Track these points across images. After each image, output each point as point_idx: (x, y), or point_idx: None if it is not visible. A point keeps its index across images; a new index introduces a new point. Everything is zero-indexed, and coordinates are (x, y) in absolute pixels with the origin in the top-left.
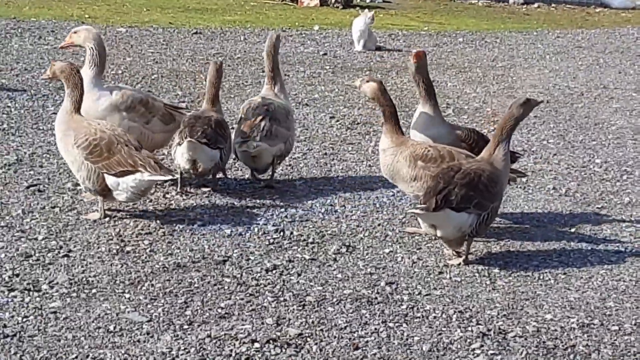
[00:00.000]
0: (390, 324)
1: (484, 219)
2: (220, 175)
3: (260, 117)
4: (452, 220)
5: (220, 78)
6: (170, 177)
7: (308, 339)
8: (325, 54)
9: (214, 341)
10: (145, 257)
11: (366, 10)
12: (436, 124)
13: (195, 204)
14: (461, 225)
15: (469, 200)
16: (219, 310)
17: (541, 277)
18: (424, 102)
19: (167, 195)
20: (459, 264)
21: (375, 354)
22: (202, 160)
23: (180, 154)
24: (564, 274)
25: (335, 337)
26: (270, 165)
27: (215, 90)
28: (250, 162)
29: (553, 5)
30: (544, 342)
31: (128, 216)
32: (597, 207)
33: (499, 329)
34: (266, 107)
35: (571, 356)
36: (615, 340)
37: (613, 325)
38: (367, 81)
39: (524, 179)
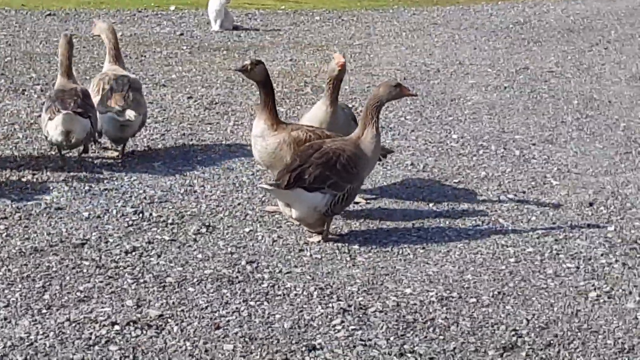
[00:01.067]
0: (252, 303)
1: (340, 199)
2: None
3: (127, 88)
4: (304, 200)
5: (71, 50)
6: None
7: (169, 320)
8: (182, 34)
9: (73, 325)
10: (1, 242)
11: None
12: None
13: (51, 187)
14: (315, 205)
15: (324, 180)
16: (78, 294)
17: (400, 252)
18: (326, 102)
19: (23, 179)
20: (319, 241)
21: (236, 333)
22: (77, 131)
23: (54, 127)
24: (423, 248)
25: (196, 317)
26: (122, 139)
27: (69, 63)
28: (119, 133)
29: None
30: (403, 316)
31: None
32: (455, 182)
33: (360, 304)
34: (127, 78)
35: (430, 329)
36: (474, 312)
37: (471, 297)
38: (255, 64)
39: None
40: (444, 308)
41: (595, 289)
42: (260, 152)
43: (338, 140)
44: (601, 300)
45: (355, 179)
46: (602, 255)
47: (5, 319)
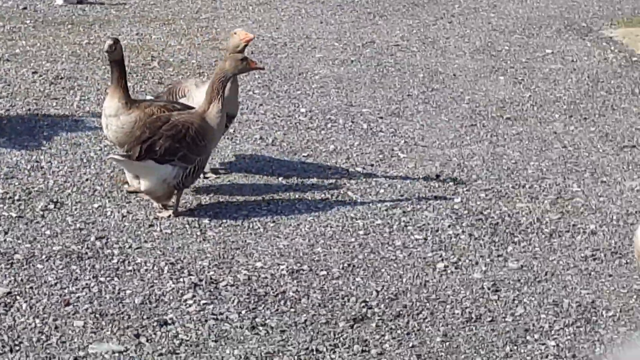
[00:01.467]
0: (102, 279)
1: (190, 172)
2: None
3: None
4: (155, 172)
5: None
6: None
7: (17, 297)
8: (25, 8)
9: None
10: None
11: None
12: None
13: None
14: (165, 177)
15: (174, 153)
16: None
17: (251, 226)
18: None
19: None
20: (169, 216)
21: (87, 309)
22: None
23: None
24: (273, 222)
25: (45, 294)
26: None
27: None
28: None
29: None
30: (255, 289)
31: None
32: (304, 156)
33: (211, 278)
34: None
35: (281, 302)
36: (324, 284)
37: (321, 270)
38: (117, 42)
39: (230, 130)
40: (295, 281)
41: (442, 260)
42: (115, 132)
43: (184, 113)
44: (449, 271)
45: (203, 151)
46: (449, 226)
47: None
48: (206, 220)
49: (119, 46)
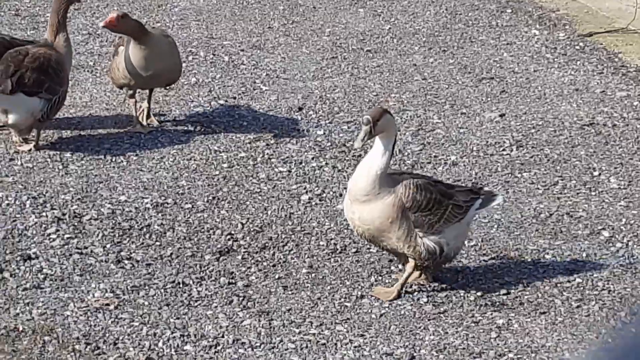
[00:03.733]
0: None
1: (55, 103)
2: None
3: None
4: (25, 104)
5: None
6: None
7: None
8: None
9: None
10: None
11: None
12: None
13: None
14: (33, 110)
15: (41, 85)
16: None
17: (114, 159)
18: (140, 38)
19: None
20: (30, 149)
21: None
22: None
23: None
24: (136, 155)
25: None
26: None
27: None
28: None
29: None
30: (119, 223)
31: None
32: (165, 89)
33: (74, 212)
34: None
35: (147, 235)
36: (189, 217)
37: (186, 203)
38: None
39: (91, 63)
40: (160, 214)
41: (307, 192)
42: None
43: (36, 46)
44: (313, 203)
45: (64, 82)
46: (312, 158)
47: None
48: (68, 154)
49: None
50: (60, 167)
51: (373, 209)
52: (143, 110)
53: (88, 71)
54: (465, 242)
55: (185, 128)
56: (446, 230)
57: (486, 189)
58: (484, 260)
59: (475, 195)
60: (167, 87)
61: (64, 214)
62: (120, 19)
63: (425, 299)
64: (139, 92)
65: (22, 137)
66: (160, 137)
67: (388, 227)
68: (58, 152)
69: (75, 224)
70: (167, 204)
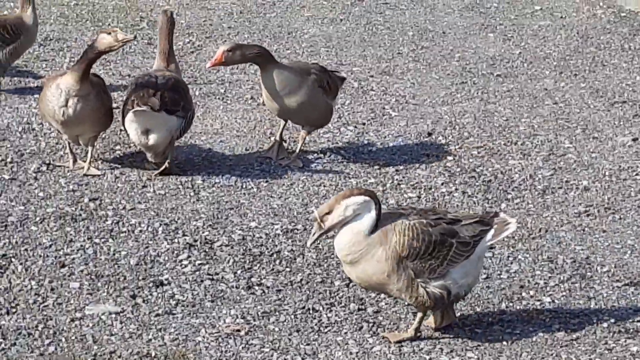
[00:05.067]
0: (96, 240)
1: (188, 121)
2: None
3: None
4: (166, 123)
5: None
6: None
7: (13, 259)
8: None
9: None
10: None
11: None
12: (291, 82)
13: None
14: (172, 128)
15: (178, 103)
16: None
17: (244, 186)
18: (265, 67)
19: None
20: (164, 169)
21: (82, 271)
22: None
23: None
24: (267, 182)
25: (40, 255)
26: None
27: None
28: None
29: None
30: (250, 249)
31: None
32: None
33: (205, 239)
34: None
35: (277, 261)
36: (319, 244)
37: None
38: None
39: (221, 90)
40: (290, 240)
41: None
42: (79, 110)
43: (158, 71)
44: None
45: (192, 103)
46: (442, 184)
47: None
48: (199, 181)
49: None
50: (192, 193)
51: (365, 267)
52: (274, 143)
53: (219, 98)
54: (479, 277)
55: (315, 154)
56: (452, 271)
57: (501, 215)
58: (617, 287)
59: (485, 227)
60: (315, 127)
61: (195, 240)
62: (227, 53)
63: (557, 325)
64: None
65: (156, 161)
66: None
67: (386, 281)
68: (190, 179)
69: (207, 250)
70: (297, 230)
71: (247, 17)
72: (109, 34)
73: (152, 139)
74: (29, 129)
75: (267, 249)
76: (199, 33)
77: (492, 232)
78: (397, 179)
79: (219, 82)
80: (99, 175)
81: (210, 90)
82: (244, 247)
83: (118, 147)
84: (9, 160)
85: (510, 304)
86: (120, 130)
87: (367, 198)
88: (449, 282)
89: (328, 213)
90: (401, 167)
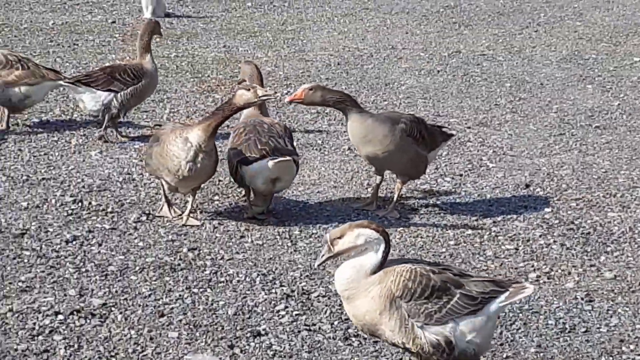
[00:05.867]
0: (195, 290)
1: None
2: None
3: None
4: (293, 170)
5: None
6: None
7: (112, 309)
8: (114, 21)
9: (17, 315)
10: None
11: None
12: (376, 129)
13: None
14: (294, 175)
15: (295, 151)
16: (20, 284)
17: None
18: (349, 113)
19: None
20: (262, 212)
21: (181, 320)
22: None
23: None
24: None
25: (140, 305)
26: None
27: (146, 41)
28: None
29: None
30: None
31: None
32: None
33: (303, 289)
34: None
35: None
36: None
37: None
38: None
39: (319, 141)
40: None
41: (534, 270)
42: (203, 166)
43: (266, 118)
44: (541, 281)
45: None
46: (540, 236)
47: None
48: (297, 231)
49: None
50: (289, 244)
51: (359, 304)
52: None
53: (316, 149)
54: (491, 338)
55: (412, 205)
56: (454, 322)
57: (522, 281)
58: None
59: (499, 288)
60: (409, 177)
61: (292, 291)
62: (308, 92)
63: None
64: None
65: (259, 205)
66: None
67: (378, 320)
68: (287, 229)
69: (304, 300)
70: None
71: (345, 69)
72: (249, 90)
73: (279, 186)
74: (129, 179)
75: None
76: (296, 84)
77: (506, 294)
78: (494, 231)
79: (317, 133)
80: (197, 226)
81: (308, 141)
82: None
83: (216, 197)
84: (109, 210)
85: (610, 358)
86: (220, 180)
87: (379, 236)
88: (449, 332)
89: (339, 237)
90: (499, 219)
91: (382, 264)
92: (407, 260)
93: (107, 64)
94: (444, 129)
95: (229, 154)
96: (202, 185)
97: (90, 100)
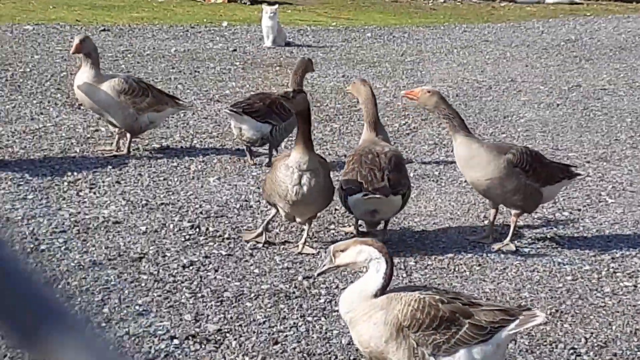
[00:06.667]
0: (309, 318)
1: (407, 199)
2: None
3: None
4: (392, 203)
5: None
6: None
7: (227, 335)
8: (234, 50)
9: (133, 338)
10: (60, 256)
11: (264, 5)
12: (481, 154)
13: (109, 201)
14: (397, 208)
15: (401, 183)
16: (137, 308)
17: (456, 268)
18: (455, 135)
19: (81, 193)
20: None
21: (294, 348)
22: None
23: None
24: (479, 265)
25: (254, 332)
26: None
27: (300, 77)
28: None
29: (459, 0)
30: None
31: (41, 215)
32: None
33: None
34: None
35: None
36: (532, 330)
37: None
38: (298, 92)
39: (435, 172)
40: None
41: None
42: (312, 186)
43: (381, 145)
44: None
45: (409, 177)
46: None
47: None
48: (412, 262)
49: (300, 97)
50: (405, 274)
51: (362, 330)
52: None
53: (433, 180)
54: None
55: (529, 239)
56: (464, 352)
57: (533, 310)
58: None
59: (509, 317)
60: (521, 210)
61: None
62: (426, 94)
63: None
64: (503, 211)
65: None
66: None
67: (384, 348)
68: (402, 259)
69: None
70: None
71: (463, 100)
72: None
73: (379, 217)
74: (247, 206)
75: None
76: (414, 115)
77: (516, 322)
78: (612, 267)
79: (434, 164)
80: (313, 254)
81: (425, 172)
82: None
83: (332, 226)
84: (226, 236)
85: None
86: (336, 209)
87: (381, 256)
88: None
89: (342, 250)
90: (617, 255)
91: (385, 287)
92: (415, 287)
93: (259, 92)
94: (571, 168)
95: (340, 181)
96: (318, 214)
97: (250, 129)
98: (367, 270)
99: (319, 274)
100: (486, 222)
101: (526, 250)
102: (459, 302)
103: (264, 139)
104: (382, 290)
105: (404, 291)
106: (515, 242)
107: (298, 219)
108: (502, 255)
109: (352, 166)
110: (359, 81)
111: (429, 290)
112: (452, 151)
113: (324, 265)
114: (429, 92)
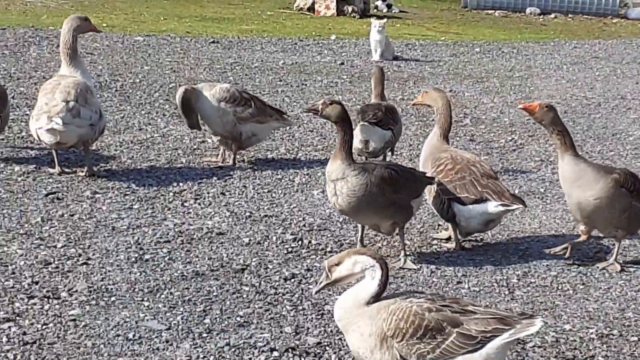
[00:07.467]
0: None
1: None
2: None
3: None
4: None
5: (384, 77)
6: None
7: (327, 348)
8: (342, 63)
9: (233, 349)
10: (164, 266)
11: (373, 18)
12: (588, 174)
13: (213, 212)
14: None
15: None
16: (238, 319)
17: (560, 287)
18: (563, 153)
19: (186, 204)
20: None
21: None
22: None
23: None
24: (583, 284)
25: None
26: None
27: (382, 87)
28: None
29: (570, 15)
30: (563, 352)
31: (146, 224)
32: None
33: (519, 339)
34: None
35: None
36: (635, 351)
37: (632, 336)
38: (328, 104)
39: (541, 189)
40: (605, 346)
41: None
42: (346, 195)
43: (466, 156)
44: None
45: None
46: None
47: (167, 341)
48: (515, 279)
49: (331, 107)
50: (507, 292)
51: (351, 338)
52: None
53: (538, 197)
54: None
55: (635, 258)
56: None
57: (532, 316)
58: None
59: (504, 326)
60: (626, 232)
61: None
62: (543, 109)
63: None
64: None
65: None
66: (606, 267)
67: (371, 358)
68: (504, 277)
69: (519, 350)
70: (613, 335)
71: (572, 117)
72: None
73: (491, 226)
74: (349, 220)
75: (581, 352)
76: (521, 132)
77: (510, 331)
78: None
79: (540, 181)
80: (415, 269)
81: (530, 189)
82: (557, 350)
83: (435, 242)
84: (328, 249)
85: None
86: (439, 225)
87: (375, 263)
88: None
89: (337, 264)
90: None
91: (379, 294)
92: (411, 294)
93: (366, 103)
94: None
95: (437, 189)
96: (420, 229)
97: (378, 138)
98: (362, 279)
99: (316, 292)
100: (591, 240)
101: (632, 270)
102: (449, 310)
103: (387, 145)
104: (377, 297)
105: (400, 298)
106: (621, 261)
107: (382, 230)
108: (607, 275)
109: (461, 175)
110: (433, 90)
111: (421, 298)
112: (557, 168)
113: (321, 282)
114: (546, 107)
